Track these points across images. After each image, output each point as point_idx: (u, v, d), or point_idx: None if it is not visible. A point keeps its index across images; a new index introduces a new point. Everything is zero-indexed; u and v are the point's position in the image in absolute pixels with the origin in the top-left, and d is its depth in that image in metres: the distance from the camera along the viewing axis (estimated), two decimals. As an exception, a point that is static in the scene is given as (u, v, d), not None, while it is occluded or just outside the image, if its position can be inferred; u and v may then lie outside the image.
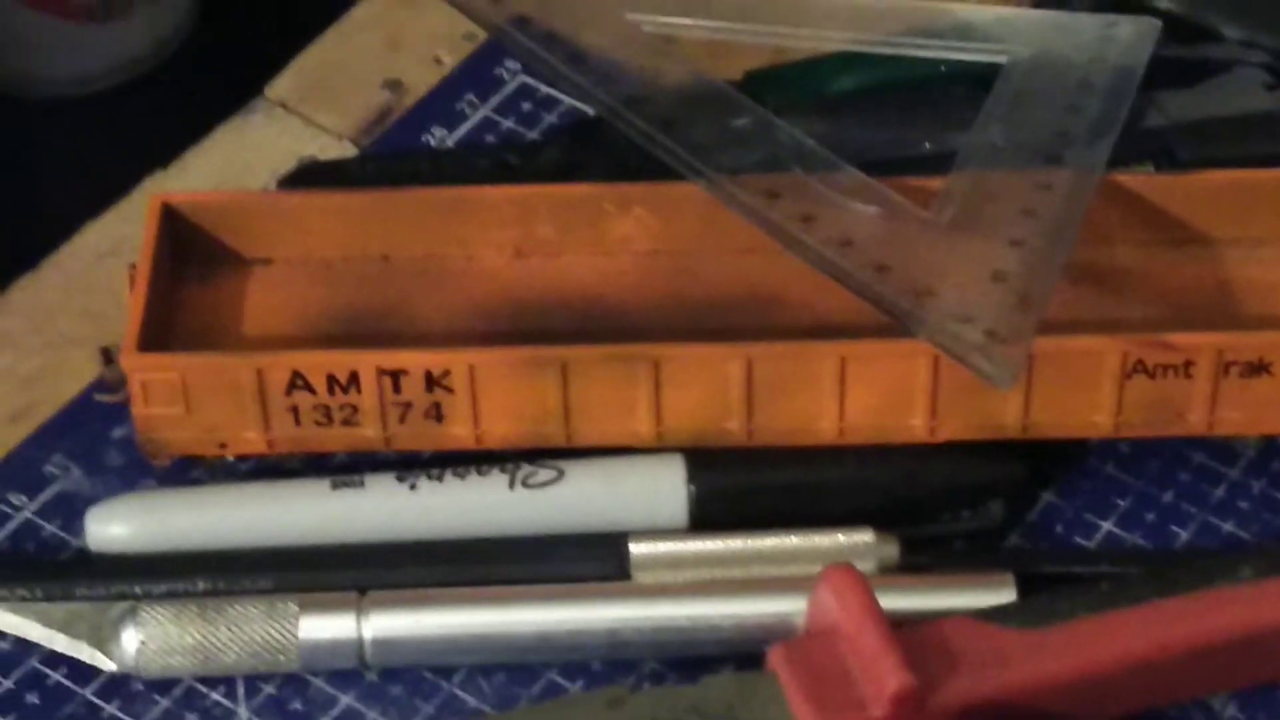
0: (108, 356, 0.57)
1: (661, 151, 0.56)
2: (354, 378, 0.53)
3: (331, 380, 0.53)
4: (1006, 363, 0.50)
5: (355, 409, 0.53)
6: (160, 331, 0.54)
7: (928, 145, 0.57)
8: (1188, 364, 0.52)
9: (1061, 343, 0.52)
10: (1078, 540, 0.54)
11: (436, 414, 0.53)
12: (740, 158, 0.56)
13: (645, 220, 0.57)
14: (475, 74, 0.64)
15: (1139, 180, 0.56)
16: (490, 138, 0.63)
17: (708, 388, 0.53)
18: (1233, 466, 0.55)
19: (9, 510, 0.55)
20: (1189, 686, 0.51)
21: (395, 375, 0.53)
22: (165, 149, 0.63)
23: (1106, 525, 0.54)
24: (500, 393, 0.53)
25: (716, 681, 0.49)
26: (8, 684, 0.52)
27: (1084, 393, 0.53)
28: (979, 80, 0.59)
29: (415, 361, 0.53)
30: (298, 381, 0.53)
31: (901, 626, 0.49)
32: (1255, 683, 0.51)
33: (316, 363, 0.53)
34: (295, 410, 0.53)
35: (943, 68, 0.61)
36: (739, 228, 0.55)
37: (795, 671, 0.48)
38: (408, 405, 0.53)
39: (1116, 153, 0.56)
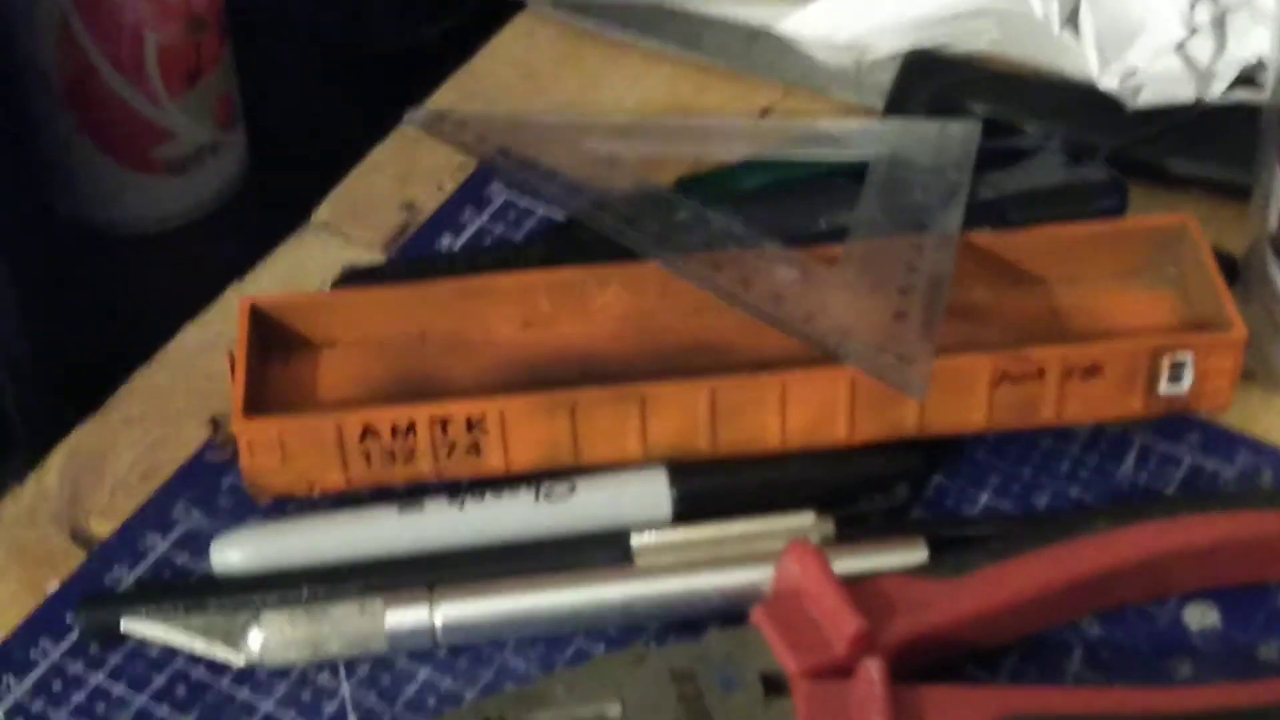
0: (216, 424, 0.54)
1: (628, 241, 0.53)
2: (411, 426, 0.50)
3: (394, 429, 0.50)
4: (917, 378, 0.48)
5: (413, 450, 0.50)
6: (257, 401, 0.50)
7: (823, 223, 0.55)
8: (1041, 372, 0.50)
9: (946, 362, 0.50)
10: (964, 510, 0.51)
11: (476, 449, 0.50)
12: (687, 242, 0.53)
13: (620, 293, 0.53)
14: (470, 194, 0.60)
15: (984, 238, 0.54)
16: (486, 241, 0.59)
17: (681, 415, 0.50)
18: (1072, 445, 0.53)
19: (147, 548, 0.51)
20: (1064, 613, 0.48)
21: (443, 422, 0.50)
22: (234, 269, 0.59)
23: (984, 498, 0.52)
24: (524, 430, 0.50)
25: (715, 636, 0.46)
26: (161, 680, 0.48)
27: (964, 397, 0.50)
28: (851, 173, 0.57)
29: (459, 410, 0.50)
30: (369, 432, 0.50)
31: (848, 585, 0.46)
32: (1110, 606, 0.49)
33: (383, 417, 0.50)
34: (368, 454, 0.50)
35: (825, 168, 0.58)
36: (690, 293, 0.52)
37: (774, 624, 0.46)
38: (453, 444, 0.50)
39: (963, 219, 0.54)
